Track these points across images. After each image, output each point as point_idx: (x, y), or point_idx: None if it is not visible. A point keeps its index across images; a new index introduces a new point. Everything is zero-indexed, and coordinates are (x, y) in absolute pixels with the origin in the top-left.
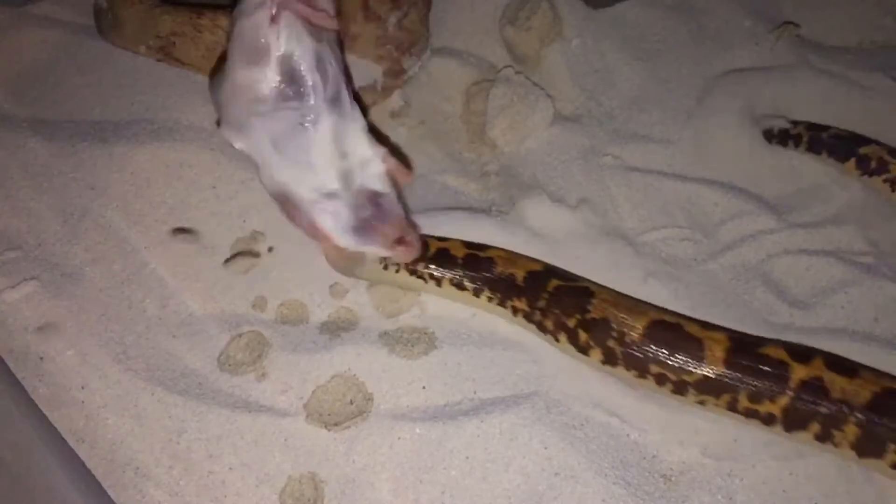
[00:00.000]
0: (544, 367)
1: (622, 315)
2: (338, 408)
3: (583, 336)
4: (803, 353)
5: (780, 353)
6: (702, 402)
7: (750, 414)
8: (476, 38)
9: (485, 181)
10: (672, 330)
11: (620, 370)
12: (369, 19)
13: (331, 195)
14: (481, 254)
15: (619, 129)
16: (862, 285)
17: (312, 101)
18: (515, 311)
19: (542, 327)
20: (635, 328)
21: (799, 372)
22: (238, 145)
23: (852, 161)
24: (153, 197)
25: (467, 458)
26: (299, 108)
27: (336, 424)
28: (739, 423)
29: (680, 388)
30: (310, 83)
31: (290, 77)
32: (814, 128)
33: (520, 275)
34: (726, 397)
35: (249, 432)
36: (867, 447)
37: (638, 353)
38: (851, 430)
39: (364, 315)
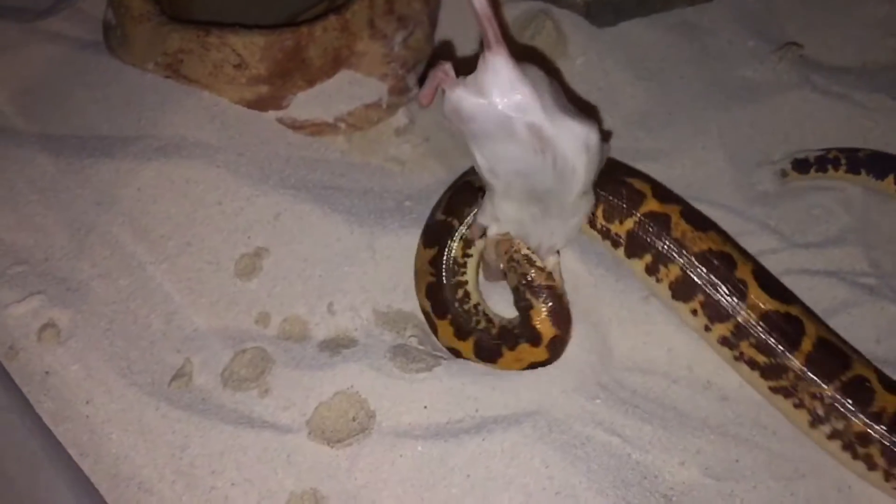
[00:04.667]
0: (547, 385)
1: None
2: (340, 424)
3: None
4: (665, 194)
5: (644, 187)
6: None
7: (603, 233)
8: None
9: None
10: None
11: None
12: (375, 38)
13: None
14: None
15: (623, 147)
16: (864, 306)
17: None
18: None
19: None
20: None
21: (651, 204)
22: None
23: (891, 178)
24: (159, 213)
25: (468, 476)
26: None
27: (338, 441)
28: (741, 443)
29: None
30: None
31: None
32: (847, 150)
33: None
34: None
35: (252, 448)
36: (682, 292)
37: None
38: (674, 271)
39: (366, 332)
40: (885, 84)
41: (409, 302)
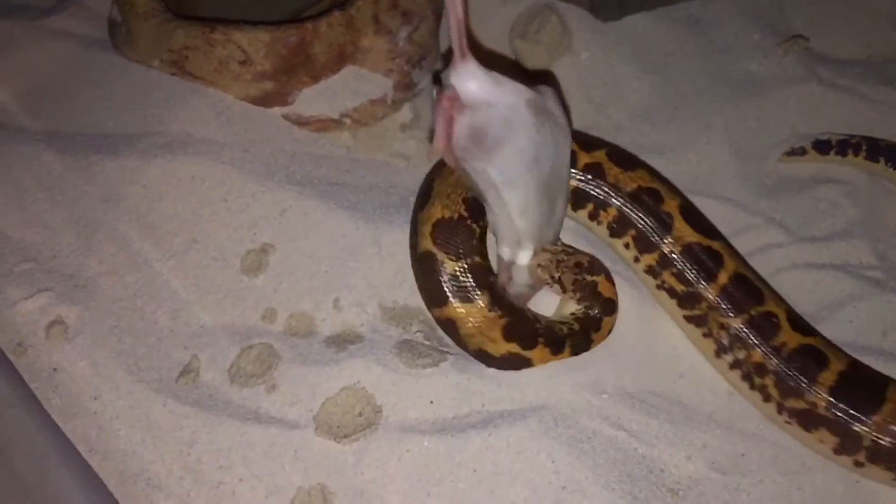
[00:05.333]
0: (552, 380)
1: None
2: (347, 420)
3: None
4: (589, 141)
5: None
6: None
7: None
8: (486, 51)
9: None
10: None
11: None
12: (380, 33)
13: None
14: None
15: (628, 141)
16: (870, 299)
17: None
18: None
19: None
20: None
21: (583, 158)
22: None
23: None
24: (165, 209)
25: (475, 471)
26: None
27: (345, 437)
28: (747, 438)
29: None
30: None
31: None
32: (869, 138)
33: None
34: None
35: (259, 444)
36: (617, 229)
37: None
38: (612, 213)
39: (372, 328)
40: (891, 77)
41: (415, 297)
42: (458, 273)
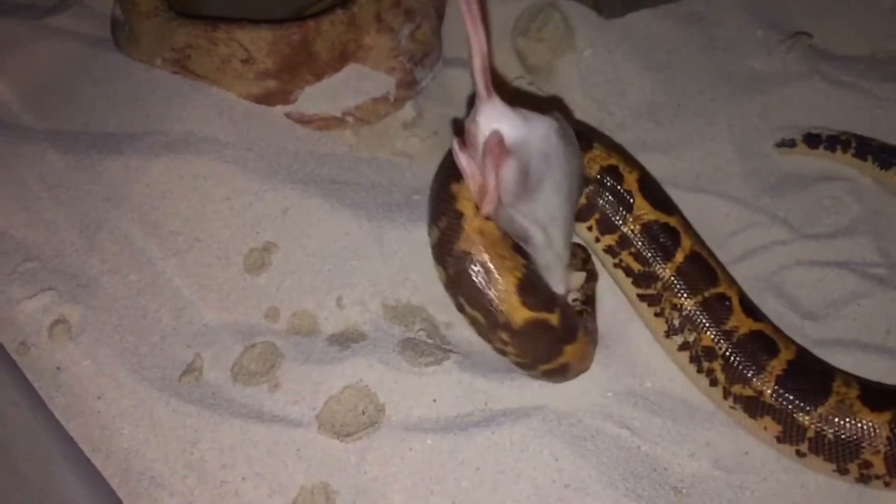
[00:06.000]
0: None
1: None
2: (350, 419)
3: None
4: None
5: None
6: None
7: None
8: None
9: None
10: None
11: None
12: (382, 31)
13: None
14: None
15: (631, 139)
16: (874, 297)
17: None
18: None
19: None
20: None
21: None
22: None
23: (893, 170)
24: (168, 208)
25: (478, 469)
26: None
27: (348, 435)
28: (750, 435)
29: None
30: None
31: None
32: (861, 137)
33: None
34: None
35: (262, 442)
36: (583, 214)
37: None
38: (580, 201)
39: (375, 326)
40: (894, 73)
41: (418, 296)
42: (561, 323)
